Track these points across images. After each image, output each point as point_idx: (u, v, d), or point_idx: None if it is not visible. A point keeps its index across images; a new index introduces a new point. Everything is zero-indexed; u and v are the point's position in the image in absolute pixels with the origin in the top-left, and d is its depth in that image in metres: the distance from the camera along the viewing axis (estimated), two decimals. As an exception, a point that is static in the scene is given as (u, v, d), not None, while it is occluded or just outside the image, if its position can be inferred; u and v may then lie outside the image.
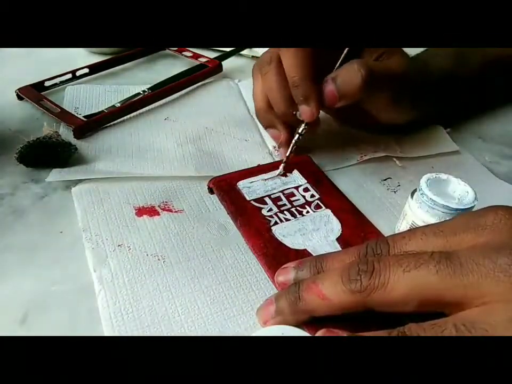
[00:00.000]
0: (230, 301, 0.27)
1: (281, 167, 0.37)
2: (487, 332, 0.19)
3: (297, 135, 0.36)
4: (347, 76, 0.34)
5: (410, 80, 0.37)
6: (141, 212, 0.33)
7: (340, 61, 0.36)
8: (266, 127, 0.40)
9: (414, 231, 0.24)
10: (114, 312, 0.26)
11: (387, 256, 0.23)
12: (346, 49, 0.35)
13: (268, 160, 0.40)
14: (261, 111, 0.39)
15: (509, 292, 0.19)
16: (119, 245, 0.30)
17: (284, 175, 0.37)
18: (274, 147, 0.41)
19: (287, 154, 0.37)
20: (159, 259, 0.29)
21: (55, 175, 0.35)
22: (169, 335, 0.25)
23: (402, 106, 0.39)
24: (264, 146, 0.42)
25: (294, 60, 0.34)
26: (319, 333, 0.23)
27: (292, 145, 0.37)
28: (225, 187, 0.35)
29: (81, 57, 0.55)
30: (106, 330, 0.25)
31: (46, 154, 0.36)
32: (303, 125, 0.36)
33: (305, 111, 0.35)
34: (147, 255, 0.29)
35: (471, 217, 0.23)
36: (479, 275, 0.20)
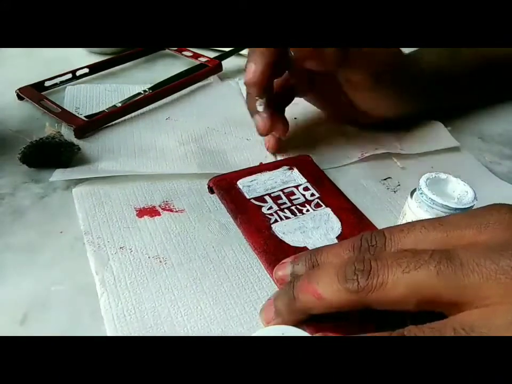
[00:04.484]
0: (233, 301, 0.27)
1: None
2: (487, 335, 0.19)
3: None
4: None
5: (394, 65, 0.37)
6: (141, 212, 0.33)
7: None
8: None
9: (413, 223, 0.23)
10: (117, 314, 0.26)
11: (384, 253, 0.22)
12: None
13: (270, 159, 0.40)
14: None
15: (510, 295, 0.19)
16: (120, 247, 0.30)
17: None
18: None
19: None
20: (160, 261, 0.29)
21: (59, 175, 0.35)
22: (172, 335, 0.25)
23: (388, 98, 0.38)
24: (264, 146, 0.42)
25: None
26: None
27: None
28: (225, 186, 0.35)
29: (81, 57, 0.55)
30: (110, 332, 0.25)
31: (49, 155, 0.36)
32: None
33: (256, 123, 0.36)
34: (149, 257, 0.29)
35: (473, 213, 0.22)
36: (480, 276, 0.20)
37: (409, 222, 0.25)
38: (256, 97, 0.36)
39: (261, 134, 0.38)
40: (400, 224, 0.24)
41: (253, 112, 0.37)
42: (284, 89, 0.40)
